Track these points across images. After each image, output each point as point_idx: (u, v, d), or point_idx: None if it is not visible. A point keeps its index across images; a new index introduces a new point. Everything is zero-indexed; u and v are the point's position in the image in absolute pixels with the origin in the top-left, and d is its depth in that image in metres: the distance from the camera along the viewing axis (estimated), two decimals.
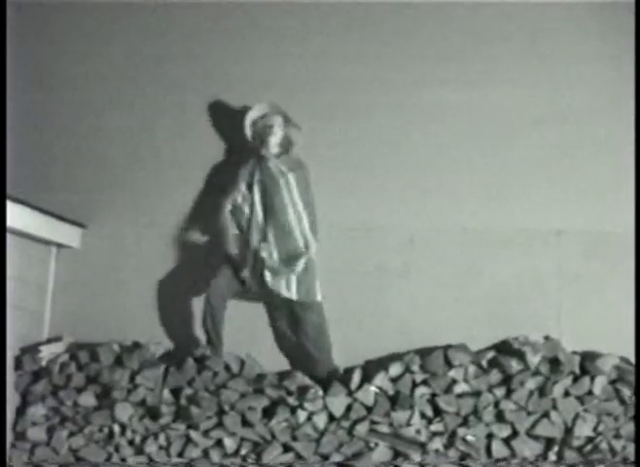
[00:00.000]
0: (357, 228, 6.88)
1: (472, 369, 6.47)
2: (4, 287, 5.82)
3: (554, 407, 6.43)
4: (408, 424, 6.40)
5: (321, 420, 6.40)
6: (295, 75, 7.03)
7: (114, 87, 7.09)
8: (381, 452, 6.41)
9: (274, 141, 6.80)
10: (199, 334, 6.73)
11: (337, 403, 6.40)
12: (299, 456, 6.40)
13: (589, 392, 6.44)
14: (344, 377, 6.53)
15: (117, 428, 6.47)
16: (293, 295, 6.62)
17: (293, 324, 6.72)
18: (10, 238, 6.39)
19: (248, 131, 6.82)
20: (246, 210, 6.77)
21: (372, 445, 6.41)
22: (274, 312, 6.78)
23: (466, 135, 7.00)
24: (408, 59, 7.04)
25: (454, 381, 6.45)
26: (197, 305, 6.78)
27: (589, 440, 6.43)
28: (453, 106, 7.00)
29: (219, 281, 6.65)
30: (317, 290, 6.67)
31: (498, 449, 6.42)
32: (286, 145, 6.85)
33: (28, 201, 6.42)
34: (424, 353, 6.52)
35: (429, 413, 6.43)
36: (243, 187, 6.79)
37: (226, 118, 7.00)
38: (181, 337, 6.82)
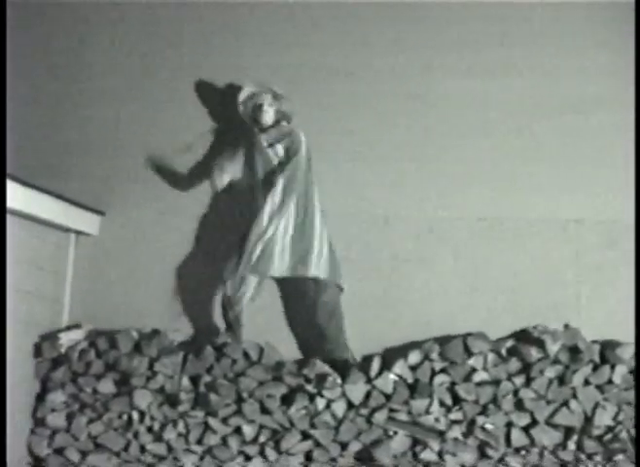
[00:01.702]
0: (375, 217, 6.86)
1: (491, 357, 6.46)
2: (4, 277, 5.82)
3: (574, 396, 6.40)
4: (427, 412, 6.39)
5: (340, 408, 6.39)
6: (302, 65, 7.02)
7: (131, 75, 7.10)
8: (400, 441, 6.41)
9: (267, 118, 6.78)
10: (218, 321, 6.72)
11: (356, 391, 6.39)
12: (317, 444, 6.40)
13: (609, 381, 6.41)
14: (363, 364, 6.52)
15: (136, 415, 6.48)
16: (321, 273, 6.61)
17: (309, 307, 6.68)
18: (28, 225, 6.42)
19: (241, 111, 6.81)
20: (250, 194, 6.77)
21: (390, 433, 6.40)
22: (289, 297, 6.77)
23: (484, 124, 6.97)
24: (424, 48, 7.02)
25: (473, 370, 6.43)
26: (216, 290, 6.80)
27: (609, 429, 6.40)
28: (470, 95, 6.97)
29: (241, 268, 6.59)
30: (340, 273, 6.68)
31: (517, 438, 6.40)
32: (282, 119, 6.82)
33: (47, 188, 6.42)
34: (443, 341, 6.51)
35: (448, 401, 6.41)
36: (239, 166, 6.81)
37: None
38: (200, 324, 6.81)
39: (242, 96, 6.80)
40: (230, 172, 6.81)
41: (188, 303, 6.88)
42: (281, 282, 6.77)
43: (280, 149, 6.74)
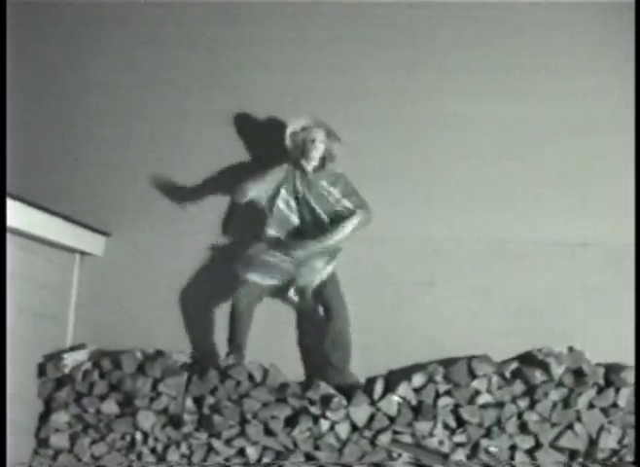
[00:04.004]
0: (380, 239, 6.86)
1: (495, 379, 6.44)
2: (4, 287, 5.83)
3: (579, 418, 6.38)
4: (431, 435, 6.37)
5: (344, 430, 6.37)
6: (315, 86, 7.03)
7: (139, 95, 7.12)
8: (404, 463, 6.38)
9: (316, 155, 6.74)
10: (221, 342, 6.72)
11: (360, 413, 6.37)
12: (321, 466, 6.38)
13: (614, 404, 6.39)
14: (367, 386, 6.50)
15: (139, 436, 6.47)
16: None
17: (318, 331, 6.68)
18: (34, 246, 6.43)
19: (288, 142, 6.75)
20: (292, 218, 6.75)
21: (394, 455, 6.38)
22: (302, 319, 6.79)
23: (490, 147, 6.99)
24: (430, 70, 7.04)
25: (477, 392, 6.41)
26: (220, 313, 6.81)
27: (614, 452, 6.38)
28: (478, 118, 6.99)
29: (248, 288, 6.62)
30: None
31: (521, 461, 6.39)
32: (327, 159, 6.80)
33: (53, 209, 6.44)
34: (447, 364, 6.50)
35: (452, 423, 6.40)
36: (284, 192, 6.72)
37: (252, 127, 7.00)
38: (203, 345, 6.81)
39: (294, 127, 6.74)
40: (255, 191, 6.71)
41: (192, 324, 6.87)
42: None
43: (335, 192, 6.73)
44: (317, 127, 6.73)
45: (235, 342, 6.59)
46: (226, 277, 6.78)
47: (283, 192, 6.72)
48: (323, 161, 6.77)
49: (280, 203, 6.73)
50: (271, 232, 6.71)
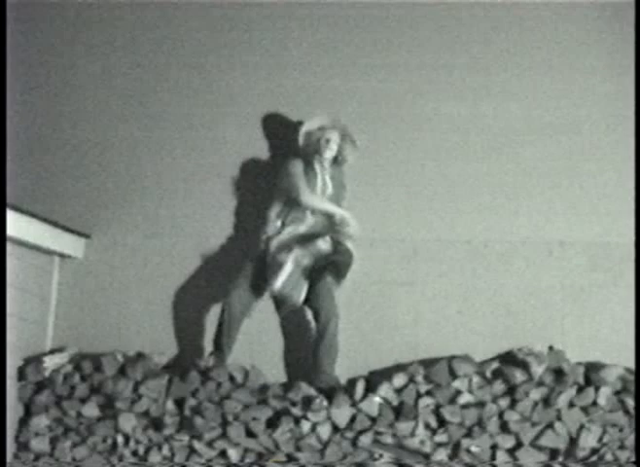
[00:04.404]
0: (360, 240, 6.84)
1: (476, 379, 6.46)
2: (4, 294, 5.80)
3: (559, 417, 6.40)
4: (413, 435, 6.38)
5: (325, 431, 6.37)
6: (303, 87, 7.03)
7: (119, 97, 7.09)
8: (385, 464, 6.39)
9: (329, 156, 6.75)
10: (205, 344, 6.72)
11: (342, 414, 6.38)
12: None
13: (594, 403, 6.42)
14: (348, 387, 6.50)
15: (120, 439, 6.45)
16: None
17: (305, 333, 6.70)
18: (12, 248, 6.39)
19: (301, 140, 6.75)
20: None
21: (376, 456, 6.39)
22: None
23: (469, 147, 7.01)
24: (413, 70, 7.05)
25: (458, 392, 6.43)
26: (202, 315, 6.82)
27: (594, 451, 6.41)
28: (456, 117, 7.02)
29: (241, 291, 6.60)
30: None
31: (502, 460, 6.41)
32: (340, 161, 6.82)
33: (31, 211, 6.42)
34: (428, 364, 6.51)
35: (433, 423, 6.41)
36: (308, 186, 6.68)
37: (239, 127, 7.02)
38: (186, 347, 6.80)
39: (311, 126, 6.74)
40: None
41: (174, 325, 6.86)
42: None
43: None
44: (333, 128, 6.73)
45: (221, 345, 6.57)
46: (208, 279, 6.79)
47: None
48: (335, 161, 6.80)
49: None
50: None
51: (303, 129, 6.74)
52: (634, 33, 6.84)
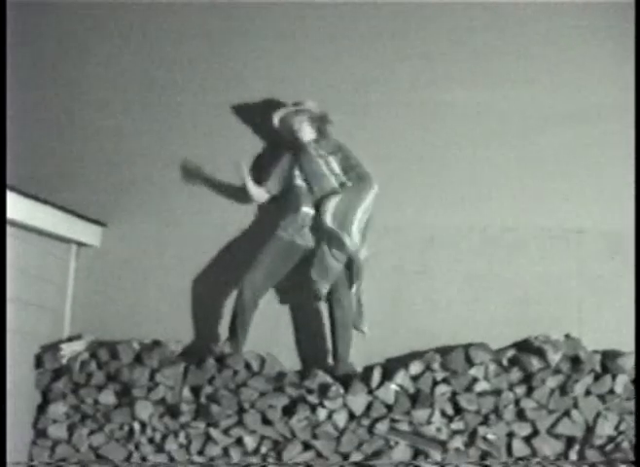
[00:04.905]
0: (376, 227, 6.83)
1: (492, 367, 6.45)
2: (4, 283, 5.82)
3: (575, 405, 6.40)
4: (429, 423, 6.38)
5: (341, 419, 6.38)
6: (309, 75, 6.99)
7: (135, 87, 7.06)
8: (401, 451, 6.40)
9: (305, 138, 6.78)
10: (221, 332, 6.73)
11: (358, 401, 6.38)
12: (319, 455, 6.39)
13: (611, 391, 6.41)
14: (365, 375, 6.51)
15: (137, 426, 6.47)
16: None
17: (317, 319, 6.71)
18: (30, 237, 6.42)
19: (280, 132, 6.80)
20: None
21: (392, 443, 6.40)
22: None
23: (486, 134, 6.97)
24: (426, 58, 7.01)
25: (475, 380, 6.43)
26: (219, 303, 6.83)
27: (611, 439, 6.40)
28: (472, 106, 6.96)
29: (254, 276, 6.59)
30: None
31: (519, 448, 6.40)
32: (321, 137, 6.83)
33: (49, 200, 6.43)
34: (445, 352, 6.51)
35: (449, 411, 6.41)
36: (282, 175, 6.80)
37: (251, 118, 6.99)
38: (202, 335, 6.82)
39: (276, 120, 6.77)
40: (275, 186, 6.84)
41: (190, 313, 6.88)
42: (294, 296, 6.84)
43: (334, 164, 6.73)
44: (300, 114, 6.75)
45: (235, 332, 6.57)
46: (224, 267, 6.80)
47: (297, 172, 6.75)
48: (323, 135, 6.82)
49: (298, 181, 6.75)
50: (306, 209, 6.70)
51: (275, 121, 6.78)
52: (634, 31, 6.80)
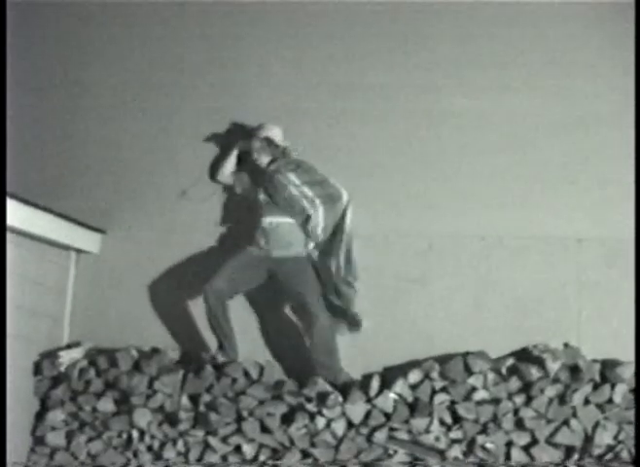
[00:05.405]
0: (375, 235, 6.84)
1: (491, 376, 6.45)
2: (4, 286, 5.82)
3: (574, 415, 6.39)
4: (428, 431, 6.37)
5: (340, 427, 6.38)
6: (312, 81, 7.02)
7: (133, 93, 7.09)
8: (400, 460, 6.39)
9: (264, 161, 6.83)
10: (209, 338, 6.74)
11: (356, 410, 6.38)
12: (317, 463, 6.38)
13: (610, 400, 6.40)
14: (363, 383, 6.50)
15: (135, 434, 6.48)
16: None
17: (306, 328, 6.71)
18: (29, 244, 6.43)
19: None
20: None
21: (390, 452, 6.39)
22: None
23: (485, 142, 6.98)
24: (426, 66, 7.03)
25: (474, 389, 6.42)
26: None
27: (610, 448, 6.39)
28: (471, 113, 6.98)
29: (215, 282, 6.58)
30: None
31: (517, 457, 6.39)
32: (284, 154, 6.84)
33: (48, 207, 6.43)
34: (443, 360, 6.50)
35: (448, 420, 6.40)
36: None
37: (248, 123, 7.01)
38: (200, 342, 6.81)
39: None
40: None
41: (189, 321, 6.87)
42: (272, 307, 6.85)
43: (293, 177, 6.73)
44: (252, 141, 6.81)
45: (219, 339, 6.58)
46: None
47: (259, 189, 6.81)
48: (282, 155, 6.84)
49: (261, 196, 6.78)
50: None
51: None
52: (634, 32, 6.80)
